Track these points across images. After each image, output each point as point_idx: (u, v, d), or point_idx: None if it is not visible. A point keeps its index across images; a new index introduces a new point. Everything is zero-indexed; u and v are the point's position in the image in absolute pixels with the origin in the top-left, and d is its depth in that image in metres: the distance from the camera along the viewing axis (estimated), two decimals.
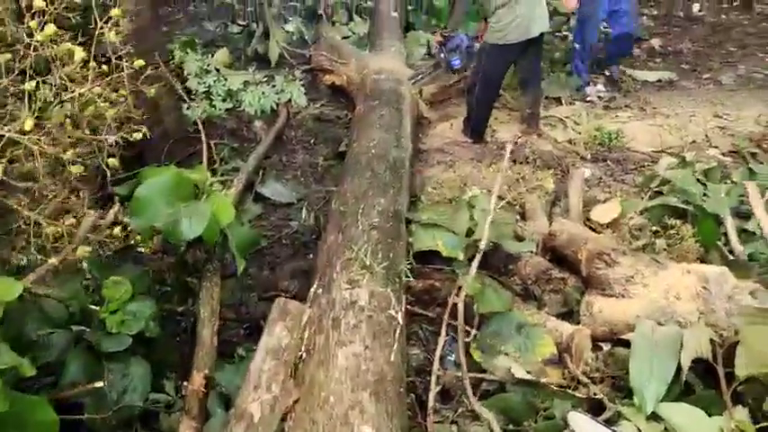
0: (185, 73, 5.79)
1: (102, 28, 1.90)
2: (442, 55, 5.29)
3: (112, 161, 2.14)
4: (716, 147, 5.15)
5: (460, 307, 2.77)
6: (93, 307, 2.56)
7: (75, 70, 1.87)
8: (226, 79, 5.96)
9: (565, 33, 7.39)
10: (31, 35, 1.79)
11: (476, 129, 5.17)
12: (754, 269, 3.29)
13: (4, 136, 1.67)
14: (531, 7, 4.70)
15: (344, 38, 7.07)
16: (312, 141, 5.48)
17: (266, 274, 3.80)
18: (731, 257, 3.40)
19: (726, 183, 4.25)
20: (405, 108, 4.89)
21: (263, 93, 5.83)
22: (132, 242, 3.05)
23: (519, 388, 2.62)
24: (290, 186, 4.72)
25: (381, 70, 5.42)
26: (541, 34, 4.88)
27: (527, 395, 2.58)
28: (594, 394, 2.58)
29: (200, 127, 4.25)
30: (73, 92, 1.87)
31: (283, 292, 3.55)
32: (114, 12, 1.91)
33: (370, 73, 5.43)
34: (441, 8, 7.69)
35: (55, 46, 1.82)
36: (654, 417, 2.35)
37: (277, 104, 5.80)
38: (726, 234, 3.56)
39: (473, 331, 2.88)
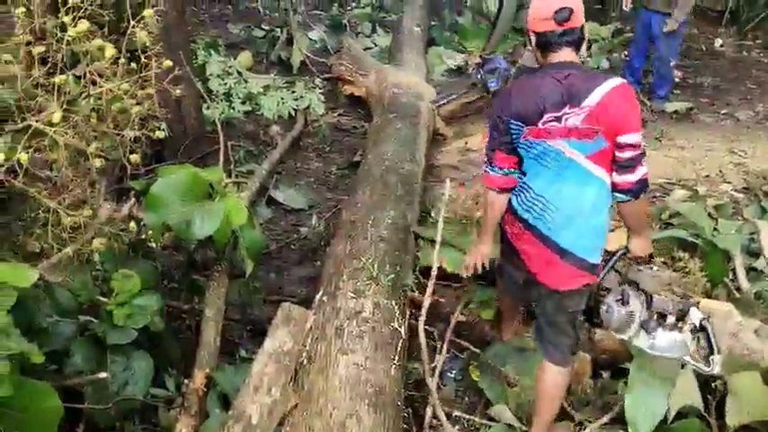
0: (207, 73, 5.86)
1: (133, 27, 1.95)
2: (480, 76, 5.43)
3: (134, 157, 2.18)
4: (729, 182, 5.14)
5: (453, 322, 2.79)
6: (101, 299, 2.60)
7: (105, 66, 1.92)
8: (246, 82, 6.02)
9: None
10: (64, 30, 1.84)
11: None
12: (759, 308, 3.28)
13: (31, 126, 1.72)
14: None
15: (367, 49, 7.12)
16: (327, 149, 5.52)
17: (273, 277, 3.83)
18: (737, 294, 3.39)
19: (737, 219, 4.24)
20: (421, 123, 4.93)
21: (281, 98, 5.88)
22: (144, 237, 3.10)
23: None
24: (302, 192, 4.76)
25: (400, 84, 5.46)
26: None
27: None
28: (589, 421, 2.59)
29: (219, 128, 4.29)
30: (101, 87, 1.92)
31: (289, 296, 3.57)
32: (147, 12, 1.96)
33: (389, 86, 5.47)
34: (464, 26, 7.72)
35: (87, 42, 1.88)
36: None
37: (295, 110, 5.85)
38: (734, 271, 3.55)
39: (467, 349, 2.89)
